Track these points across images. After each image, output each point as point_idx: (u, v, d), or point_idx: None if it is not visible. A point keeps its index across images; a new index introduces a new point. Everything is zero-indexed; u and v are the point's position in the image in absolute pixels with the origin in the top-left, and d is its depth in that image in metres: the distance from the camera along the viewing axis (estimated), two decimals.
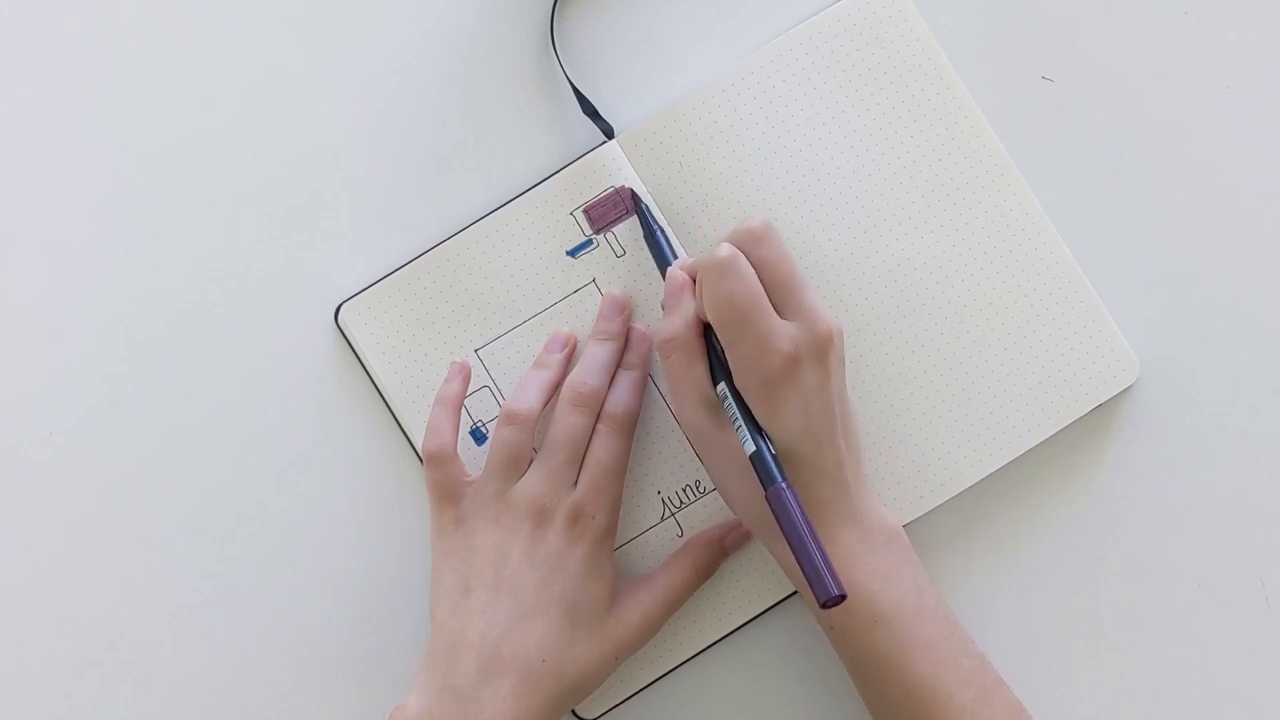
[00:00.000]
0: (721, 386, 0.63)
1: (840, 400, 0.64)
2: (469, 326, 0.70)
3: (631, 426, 0.68)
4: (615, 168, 0.70)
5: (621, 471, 0.67)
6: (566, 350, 0.69)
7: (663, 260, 0.67)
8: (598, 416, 0.67)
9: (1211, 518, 0.70)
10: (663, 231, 0.68)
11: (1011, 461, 0.70)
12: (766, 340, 0.61)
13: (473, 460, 0.69)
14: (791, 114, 0.70)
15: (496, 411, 0.70)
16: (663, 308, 0.66)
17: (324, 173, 0.72)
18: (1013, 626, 0.70)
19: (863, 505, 0.64)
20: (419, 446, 0.70)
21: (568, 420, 0.66)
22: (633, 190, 0.69)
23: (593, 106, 0.71)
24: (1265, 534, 0.70)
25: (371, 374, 0.70)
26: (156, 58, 0.72)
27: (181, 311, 0.71)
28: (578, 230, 0.70)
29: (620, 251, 0.70)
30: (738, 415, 0.62)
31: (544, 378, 0.68)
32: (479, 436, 0.70)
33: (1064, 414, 0.70)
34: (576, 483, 0.66)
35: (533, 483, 0.66)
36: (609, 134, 0.71)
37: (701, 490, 0.70)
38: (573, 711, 0.69)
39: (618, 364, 0.69)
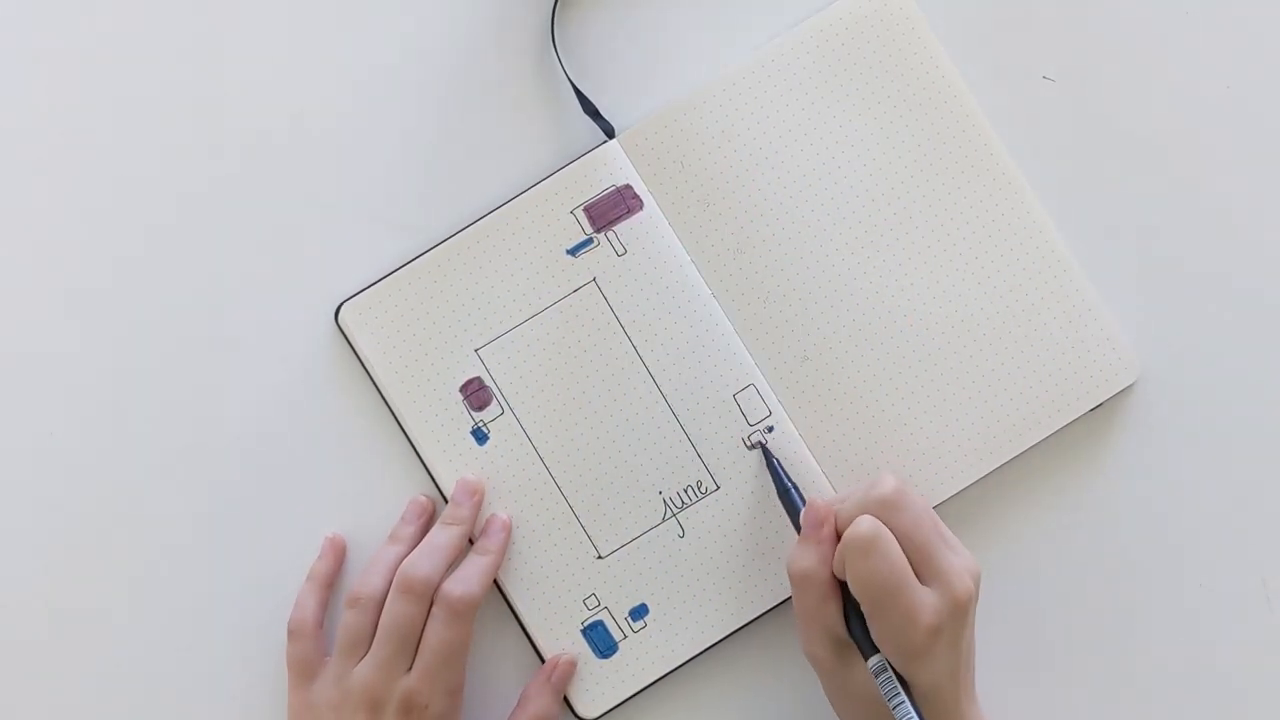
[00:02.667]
0: (877, 659, 0.62)
1: (970, 644, 0.64)
2: (469, 325, 0.70)
3: (469, 610, 0.66)
4: (616, 167, 0.70)
5: (459, 656, 0.66)
6: (421, 521, 0.69)
7: (794, 510, 0.67)
8: (434, 599, 0.67)
9: (1212, 517, 0.70)
10: (794, 487, 0.68)
11: (1011, 460, 0.70)
12: (910, 614, 0.61)
13: (473, 460, 0.69)
14: (793, 113, 0.70)
15: (499, 413, 0.70)
16: (796, 529, 0.66)
17: (324, 172, 0.71)
18: (1013, 625, 0.70)
19: None
20: (420, 449, 0.70)
21: (395, 608, 0.66)
22: (764, 444, 0.69)
23: (593, 106, 0.71)
24: (1266, 533, 0.70)
25: (371, 374, 0.70)
26: (155, 56, 0.72)
27: (181, 311, 0.71)
28: (578, 229, 0.70)
29: (621, 250, 0.70)
30: (899, 690, 0.62)
31: (393, 555, 0.68)
32: (480, 437, 0.70)
33: (1064, 413, 0.70)
34: (412, 668, 0.66)
35: (366, 672, 0.66)
36: (610, 133, 0.70)
37: (703, 490, 0.70)
38: (572, 710, 0.69)
39: (461, 550, 0.68)
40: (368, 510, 0.70)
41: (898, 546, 0.62)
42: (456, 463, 0.69)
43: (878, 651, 0.62)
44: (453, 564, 0.68)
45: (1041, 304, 0.70)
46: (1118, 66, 0.71)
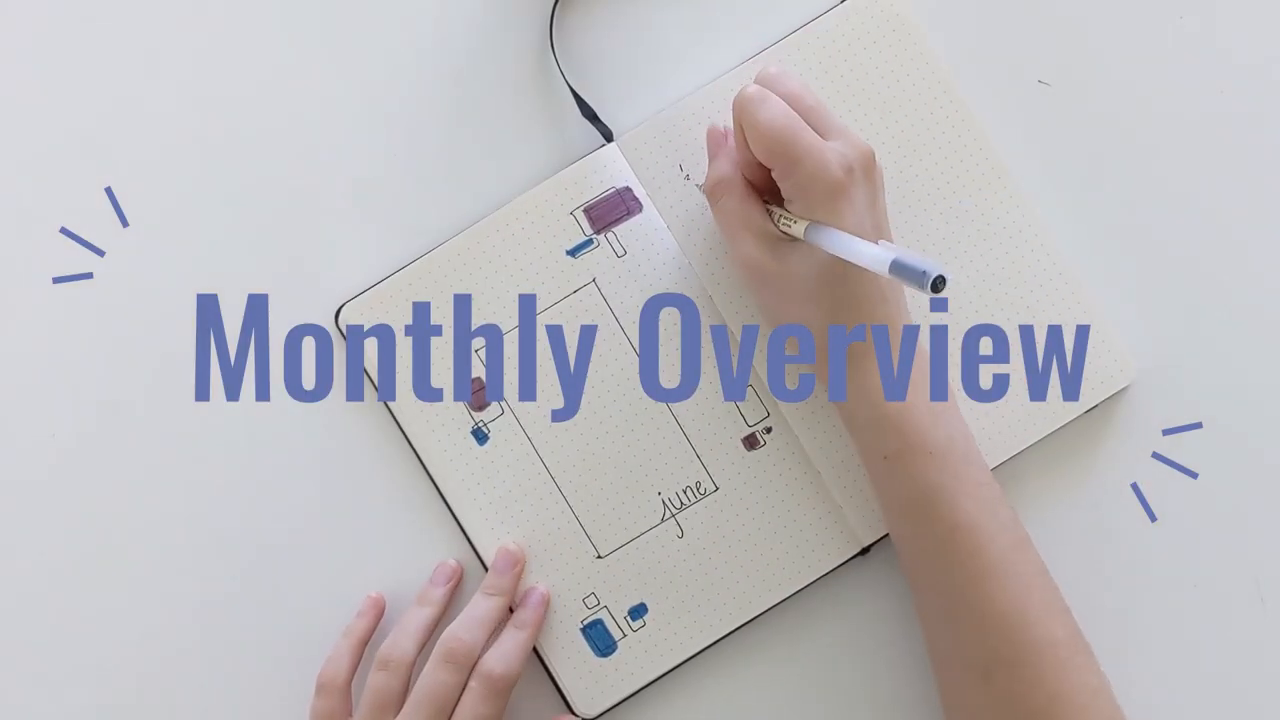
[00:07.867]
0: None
1: (884, 212, 0.65)
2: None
3: (508, 688, 0.66)
4: (615, 170, 0.70)
5: None
6: (450, 584, 0.69)
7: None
8: (471, 671, 0.66)
9: (1206, 518, 0.71)
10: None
11: (1007, 460, 0.70)
12: (819, 159, 0.61)
13: (473, 460, 0.70)
14: None
15: (499, 413, 0.70)
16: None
17: (324, 175, 0.72)
18: None
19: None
20: (419, 449, 0.70)
21: (435, 676, 0.65)
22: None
23: (592, 110, 0.71)
24: (1259, 534, 0.71)
25: (371, 375, 0.70)
26: (157, 55, 0.72)
27: (182, 311, 0.71)
28: (578, 230, 0.70)
29: (621, 252, 0.70)
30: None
31: (423, 618, 0.68)
32: (480, 437, 0.70)
33: (1060, 415, 0.70)
34: None
35: None
36: (608, 137, 0.71)
37: (702, 491, 0.70)
38: (570, 709, 0.69)
39: (502, 620, 0.68)
40: (369, 510, 0.71)
41: (785, 104, 0.63)
42: (457, 462, 0.70)
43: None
44: (492, 634, 0.68)
45: (1038, 306, 0.70)
46: (1114, 70, 0.72)
